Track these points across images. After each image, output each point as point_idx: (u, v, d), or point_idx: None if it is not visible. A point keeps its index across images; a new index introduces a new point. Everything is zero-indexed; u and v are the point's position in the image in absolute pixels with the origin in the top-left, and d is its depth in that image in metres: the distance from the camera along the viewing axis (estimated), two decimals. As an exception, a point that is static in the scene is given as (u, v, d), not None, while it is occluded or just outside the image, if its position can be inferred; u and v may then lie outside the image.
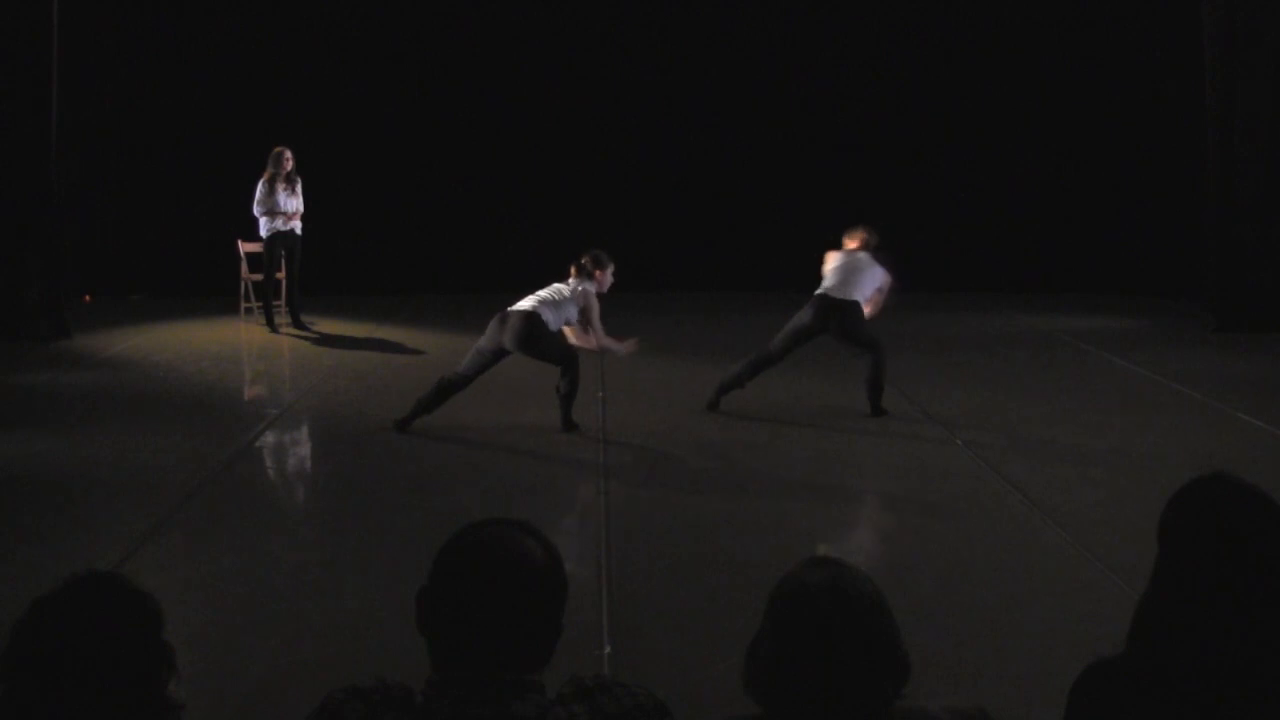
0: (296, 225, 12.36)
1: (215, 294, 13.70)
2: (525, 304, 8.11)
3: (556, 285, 8.25)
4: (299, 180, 12.35)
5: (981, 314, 13.78)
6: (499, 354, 8.18)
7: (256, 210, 12.32)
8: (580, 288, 8.19)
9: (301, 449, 8.53)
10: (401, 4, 14.93)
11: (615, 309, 14.04)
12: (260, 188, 12.24)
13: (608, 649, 4.82)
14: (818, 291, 8.74)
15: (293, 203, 12.31)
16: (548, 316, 8.04)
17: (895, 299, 8.98)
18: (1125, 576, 5.37)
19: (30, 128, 11.74)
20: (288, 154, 12.21)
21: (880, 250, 8.86)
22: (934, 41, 15.07)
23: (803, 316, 8.73)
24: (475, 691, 1.87)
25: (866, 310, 8.71)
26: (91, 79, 14.13)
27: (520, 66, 14.93)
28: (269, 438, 8.38)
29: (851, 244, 8.87)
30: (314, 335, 12.31)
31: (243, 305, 13.14)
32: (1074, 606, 5.31)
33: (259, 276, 12.77)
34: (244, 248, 12.94)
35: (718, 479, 7.47)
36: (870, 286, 8.72)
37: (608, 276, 8.31)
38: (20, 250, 11.80)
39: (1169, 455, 7.66)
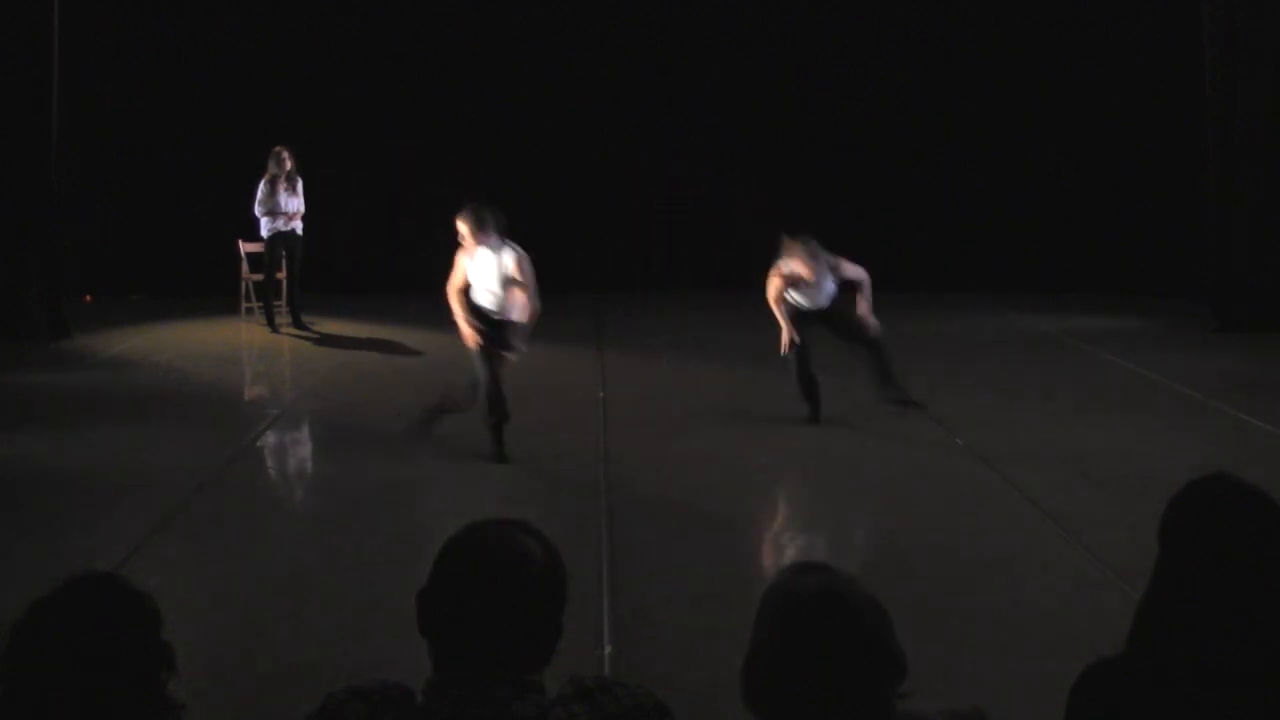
0: (297, 225, 12.35)
1: (215, 294, 13.69)
2: None
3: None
4: (300, 180, 12.34)
5: (981, 314, 13.77)
6: None
7: (257, 210, 12.31)
8: None
9: (301, 449, 8.53)
10: (401, 4, 14.92)
11: (615, 308, 14.09)
12: (261, 188, 12.23)
13: (608, 649, 4.82)
14: None
15: (294, 203, 12.30)
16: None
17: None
18: (1125, 576, 5.37)
19: (30, 128, 11.72)
20: (286, 153, 12.19)
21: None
22: (934, 41, 15.05)
23: None
24: (475, 691, 1.87)
25: None
26: (91, 79, 14.12)
27: (520, 66, 14.91)
28: (269, 438, 8.38)
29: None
30: (314, 335, 12.30)
31: (243, 305, 13.13)
32: (1074, 606, 5.31)
33: (259, 276, 12.76)
34: (244, 248, 12.93)
35: (718, 479, 7.46)
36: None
37: None
38: (20, 250, 11.79)
39: (1169, 455, 7.65)
